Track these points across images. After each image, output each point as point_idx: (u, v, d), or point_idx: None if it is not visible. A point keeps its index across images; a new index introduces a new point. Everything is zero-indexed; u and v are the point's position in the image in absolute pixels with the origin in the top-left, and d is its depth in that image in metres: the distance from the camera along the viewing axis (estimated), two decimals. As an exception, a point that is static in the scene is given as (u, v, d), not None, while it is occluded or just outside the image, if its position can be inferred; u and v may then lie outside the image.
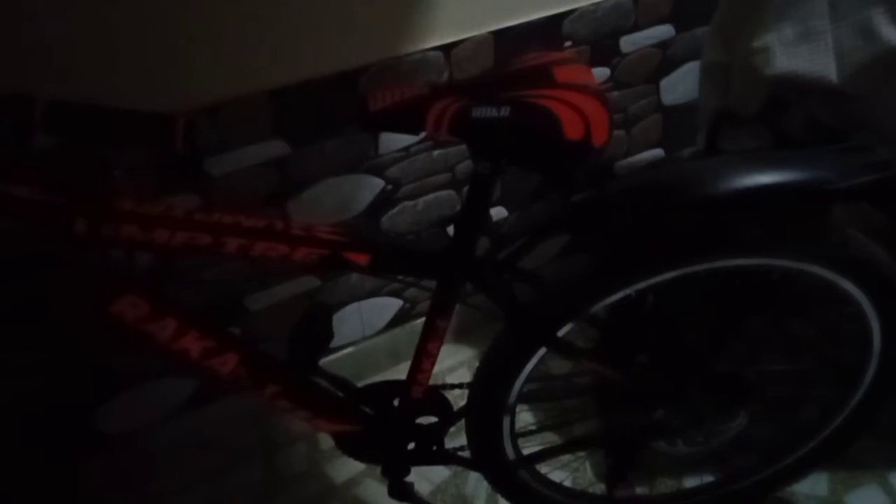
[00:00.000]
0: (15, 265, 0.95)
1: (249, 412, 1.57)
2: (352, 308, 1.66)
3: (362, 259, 0.94)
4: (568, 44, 1.60)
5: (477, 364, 1.13)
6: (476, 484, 1.49)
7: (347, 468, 1.54)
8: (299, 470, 1.57)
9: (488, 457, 1.19)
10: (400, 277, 0.99)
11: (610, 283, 1.02)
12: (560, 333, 1.06)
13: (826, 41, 1.17)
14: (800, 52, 1.18)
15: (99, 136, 0.68)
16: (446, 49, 1.46)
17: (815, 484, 1.40)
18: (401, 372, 1.74)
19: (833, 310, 1.12)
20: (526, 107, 0.80)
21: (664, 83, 1.79)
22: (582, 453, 1.39)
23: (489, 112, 0.80)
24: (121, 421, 1.50)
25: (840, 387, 1.21)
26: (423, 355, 1.06)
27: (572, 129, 0.79)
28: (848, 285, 1.06)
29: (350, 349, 1.72)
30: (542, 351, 1.08)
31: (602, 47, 1.65)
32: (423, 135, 1.39)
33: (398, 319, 1.75)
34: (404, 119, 0.84)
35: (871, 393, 1.19)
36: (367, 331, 1.73)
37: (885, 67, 1.13)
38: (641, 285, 1.02)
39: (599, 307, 1.04)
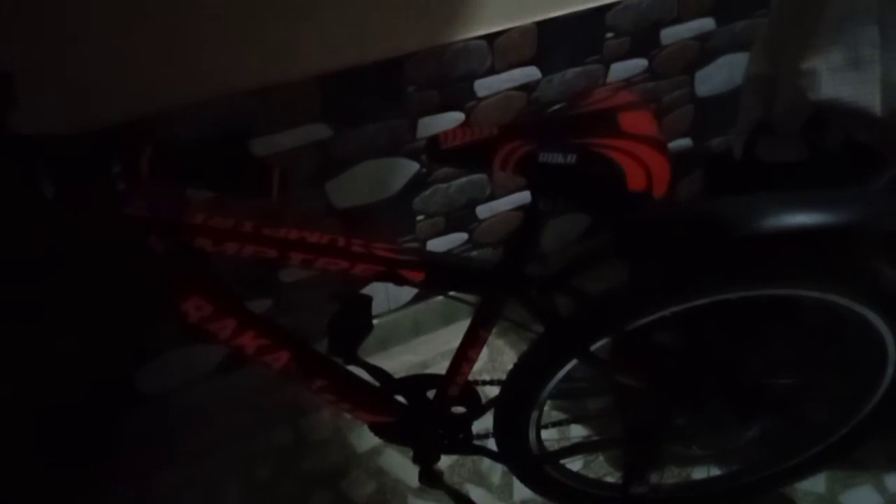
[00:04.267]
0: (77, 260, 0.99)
1: (277, 378, 1.64)
2: (379, 283, 1.71)
3: (417, 276, 0.98)
4: (609, 35, 1.60)
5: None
6: (492, 461, 1.56)
7: (370, 437, 1.58)
8: (324, 436, 1.64)
9: (513, 449, 1.26)
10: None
11: (648, 304, 1.06)
12: (593, 348, 1.11)
13: (874, 70, 1.18)
14: (847, 79, 1.20)
15: (198, 183, 0.71)
16: (490, 38, 1.46)
17: (813, 482, 1.48)
18: (422, 344, 1.84)
19: (852, 332, 1.17)
20: (592, 155, 0.83)
21: (699, 75, 1.80)
22: (602, 451, 1.47)
23: (556, 158, 0.83)
24: (157, 382, 1.57)
25: (854, 396, 1.27)
26: (463, 359, 1.11)
27: (635, 181, 0.82)
28: (872, 316, 1.11)
29: (376, 321, 1.76)
30: (574, 361, 1.14)
31: (642, 39, 1.65)
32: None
33: (421, 295, 1.80)
34: (473, 158, 0.87)
35: (883, 406, 1.25)
36: (392, 304, 1.79)
37: (930, 103, 1.15)
38: (677, 308, 1.07)
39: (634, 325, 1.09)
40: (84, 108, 1.15)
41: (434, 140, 0.88)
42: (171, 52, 1.17)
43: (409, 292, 1.78)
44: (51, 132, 0.74)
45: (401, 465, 1.58)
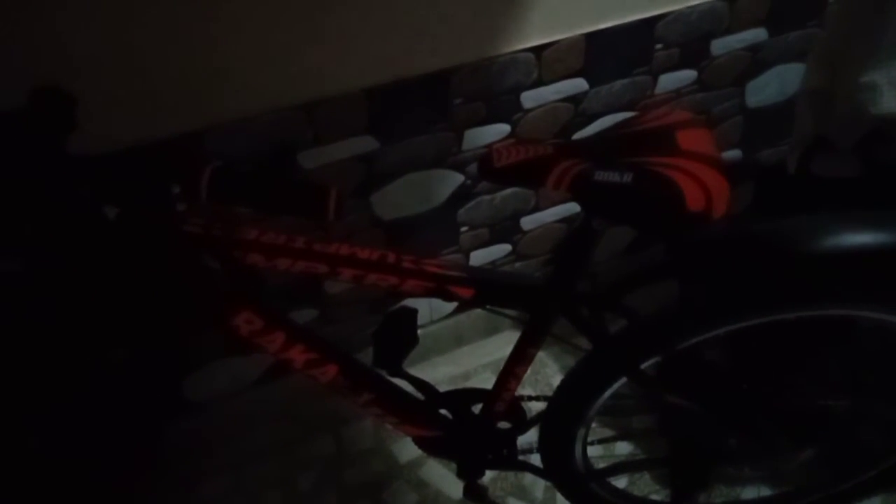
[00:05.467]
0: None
1: (319, 388, 1.65)
2: (422, 294, 1.71)
3: (466, 293, 0.98)
4: (658, 46, 1.58)
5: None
6: (535, 476, 1.55)
7: (412, 448, 1.58)
8: (366, 446, 1.65)
9: (559, 466, 1.24)
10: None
11: (701, 323, 1.04)
12: (643, 366, 1.09)
13: (938, 85, 1.14)
14: (910, 94, 1.16)
15: (256, 205, 0.72)
16: (537, 50, 1.45)
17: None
18: (464, 355, 1.83)
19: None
20: (649, 174, 0.81)
21: (750, 86, 1.77)
22: (649, 469, 1.45)
23: (612, 177, 0.81)
24: (202, 392, 1.59)
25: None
26: (510, 376, 1.10)
27: (694, 201, 0.80)
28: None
29: (418, 331, 1.77)
30: (623, 379, 1.12)
31: (692, 50, 1.62)
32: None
33: (464, 306, 1.79)
34: (526, 176, 0.86)
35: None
36: (435, 315, 1.78)
37: None
38: (731, 328, 1.04)
39: (686, 345, 1.07)
40: (138, 122, 1.17)
41: (486, 158, 0.87)
42: (223, 68, 1.19)
43: (451, 303, 1.77)
44: (110, 152, 0.75)
45: (442, 477, 1.57)
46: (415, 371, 1.17)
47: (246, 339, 0.98)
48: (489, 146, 1.52)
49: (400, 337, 1.17)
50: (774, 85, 1.78)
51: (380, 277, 0.95)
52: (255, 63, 1.21)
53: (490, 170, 0.87)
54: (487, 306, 1.01)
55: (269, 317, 0.97)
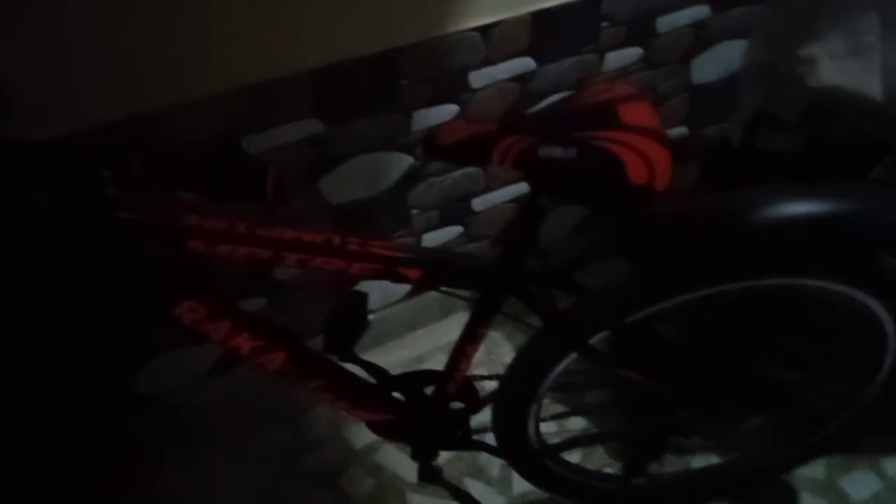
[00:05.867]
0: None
1: (274, 379, 1.63)
2: (374, 278, 1.70)
3: (414, 273, 0.97)
4: (604, 24, 1.58)
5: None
6: (490, 455, 1.55)
7: (367, 434, 1.57)
8: (322, 435, 1.63)
9: (513, 444, 1.25)
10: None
11: (648, 297, 1.05)
12: (592, 341, 1.10)
13: (875, 58, 1.17)
14: (847, 67, 1.18)
15: (191, 187, 0.69)
16: (484, 30, 1.44)
17: (812, 468, 1.48)
18: (418, 338, 1.83)
19: (854, 319, 1.16)
20: (592, 149, 0.81)
21: (695, 62, 1.78)
22: (602, 443, 1.47)
23: (555, 152, 0.81)
24: (156, 384, 1.55)
25: (854, 384, 1.26)
26: (462, 356, 1.10)
27: (636, 174, 0.81)
28: (873, 304, 1.10)
29: (371, 317, 1.75)
30: (574, 355, 1.13)
31: (637, 28, 1.63)
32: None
33: (417, 289, 1.78)
34: (471, 153, 0.86)
35: (883, 393, 1.24)
36: (388, 299, 1.77)
37: (931, 91, 1.14)
38: (678, 300, 1.05)
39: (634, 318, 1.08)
40: (74, 109, 1.12)
41: (431, 135, 0.86)
42: (160, 51, 1.15)
43: (404, 286, 1.76)
44: (41, 137, 0.72)
45: (398, 461, 1.57)
46: (369, 356, 1.15)
47: (190, 328, 0.95)
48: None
49: (350, 321, 1.15)
50: (720, 62, 1.80)
51: (326, 261, 0.93)
52: (194, 46, 1.17)
53: (435, 148, 0.86)
54: (437, 287, 1.00)
55: (213, 305, 0.95)
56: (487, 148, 0.83)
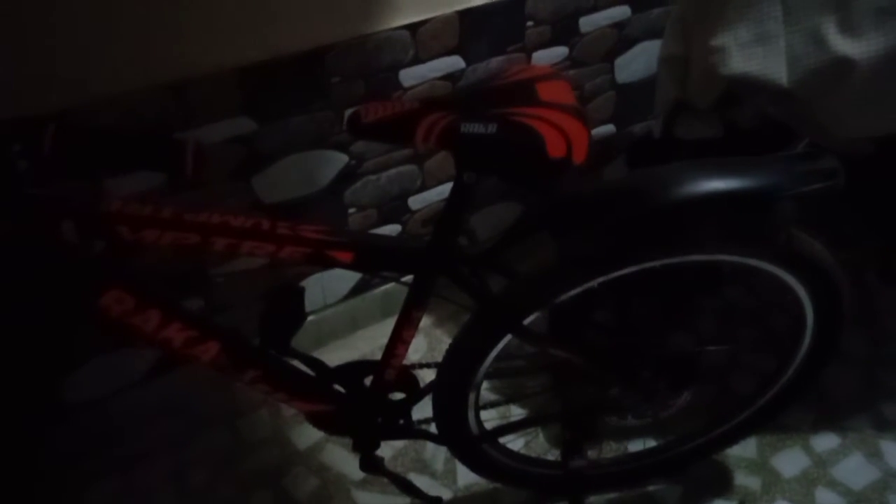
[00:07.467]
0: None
1: (212, 379, 1.60)
2: (314, 278, 1.70)
3: (346, 257, 0.98)
4: (530, 24, 1.63)
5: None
6: (434, 449, 1.57)
7: (310, 434, 1.59)
8: (263, 436, 1.61)
9: (453, 431, 1.26)
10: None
11: (576, 276, 1.09)
12: (526, 322, 1.12)
13: (779, 45, 1.23)
14: (754, 54, 1.25)
15: (107, 161, 0.69)
16: (412, 28, 1.47)
17: (744, 447, 1.53)
18: (358, 339, 1.83)
19: (772, 296, 1.22)
20: (512, 125, 0.84)
21: (619, 62, 1.85)
22: (541, 427, 1.49)
23: (477, 128, 0.84)
24: (86, 390, 1.51)
25: (777, 361, 1.32)
26: (398, 341, 1.11)
27: (555, 148, 0.84)
28: (789, 278, 1.15)
29: (312, 317, 1.75)
30: (509, 336, 1.15)
31: (561, 27, 1.68)
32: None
33: (358, 289, 1.79)
34: (395, 131, 0.88)
35: (804, 368, 1.30)
36: (329, 299, 1.77)
37: (831, 74, 1.21)
38: (604, 279, 1.09)
39: (564, 298, 1.11)
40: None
41: (355, 115, 0.88)
42: (77, 43, 1.14)
43: (345, 286, 1.77)
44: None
45: (343, 460, 1.56)
46: (311, 356, 1.16)
47: (118, 320, 0.94)
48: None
49: (287, 315, 1.15)
50: (641, 61, 1.88)
51: (255, 245, 0.93)
52: (119, 39, 1.17)
53: (359, 126, 0.87)
54: (370, 270, 1.01)
55: (142, 294, 0.94)
56: (411, 126, 0.85)
